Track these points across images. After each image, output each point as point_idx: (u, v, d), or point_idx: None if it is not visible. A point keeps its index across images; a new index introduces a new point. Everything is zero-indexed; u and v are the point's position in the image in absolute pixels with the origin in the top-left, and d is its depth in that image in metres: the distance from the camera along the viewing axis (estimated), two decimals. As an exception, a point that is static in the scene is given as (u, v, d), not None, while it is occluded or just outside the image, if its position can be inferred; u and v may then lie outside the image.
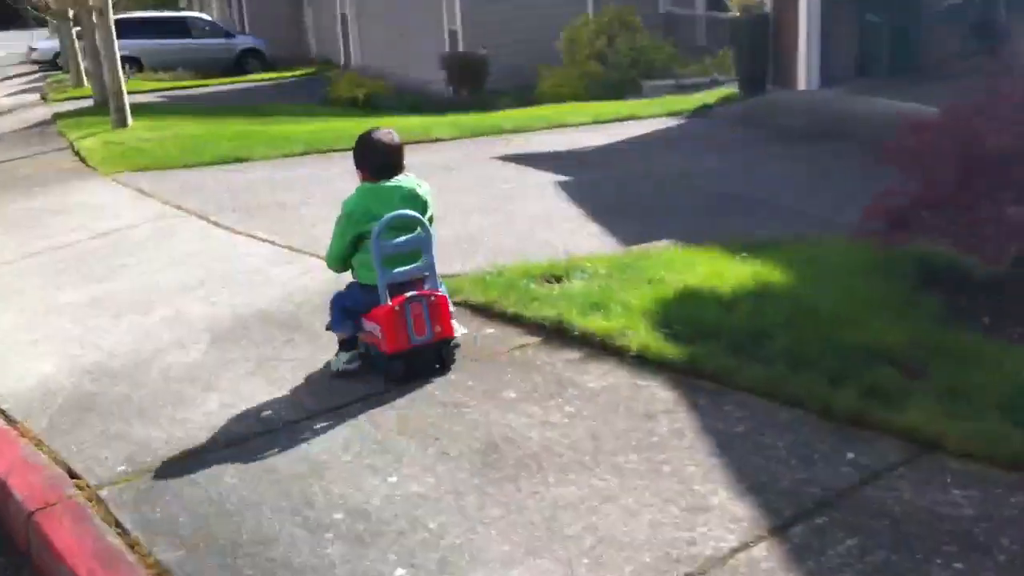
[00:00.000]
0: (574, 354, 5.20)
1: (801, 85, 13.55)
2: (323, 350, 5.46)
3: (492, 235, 7.87)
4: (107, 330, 6.38)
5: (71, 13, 22.97)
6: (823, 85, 13.54)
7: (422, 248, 4.94)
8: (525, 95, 18.85)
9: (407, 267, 4.91)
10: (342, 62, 29.64)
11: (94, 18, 17.00)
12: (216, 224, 8.88)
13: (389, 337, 4.78)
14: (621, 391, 4.76)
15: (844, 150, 10.65)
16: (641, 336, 5.09)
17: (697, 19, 20.58)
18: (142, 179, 11.34)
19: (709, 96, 14.04)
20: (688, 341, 5.01)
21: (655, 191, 9.54)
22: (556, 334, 5.41)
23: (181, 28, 32.60)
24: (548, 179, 10.11)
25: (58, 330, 6.48)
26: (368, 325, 4.93)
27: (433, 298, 4.88)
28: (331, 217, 5.27)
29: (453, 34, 22.20)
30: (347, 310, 5.04)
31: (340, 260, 5.11)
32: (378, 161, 5.00)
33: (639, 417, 4.51)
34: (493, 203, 9.12)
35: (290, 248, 7.80)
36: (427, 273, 4.97)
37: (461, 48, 21.26)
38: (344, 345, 5.11)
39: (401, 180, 5.01)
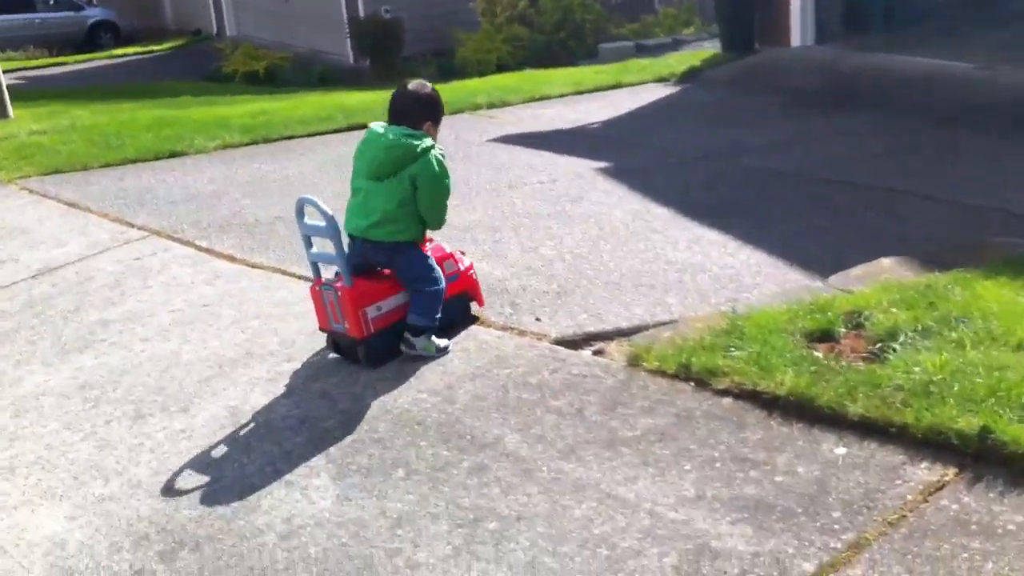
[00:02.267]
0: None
1: (795, 42, 11.81)
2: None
3: (603, 257, 5.84)
4: (131, 447, 4.10)
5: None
6: (818, 42, 11.82)
7: (329, 238, 4.25)
8: (445, 64, 16.61)
9: (322, 252, 4.46)
10: (215, 32, 26.52)
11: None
12: (209, 252, 6.52)
13: (316, 313, 4.50)
14: None
15: (899, 118, 8.91)
16: None
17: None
18: (61, 185, 8.76)
19: (692, 58, 12.16)
20: None
21: (730, 179, 7.62)
22: (980, 460, 3.29)
23: (24, 1, 28.81)
24: (584, 167, 8.07)
25: (44, 449, 4.16)
26: None
27: (339, 292, 4.26)
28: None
29: (350, -4, 19.63)
30: None
31: None
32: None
33: None
34: (552, 205, 7.04)
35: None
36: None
37: (361, 13, 18.73)
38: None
39: (384, 128, 4.30)
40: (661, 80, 11.41)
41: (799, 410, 3.68)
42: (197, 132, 10.28)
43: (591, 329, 4.70)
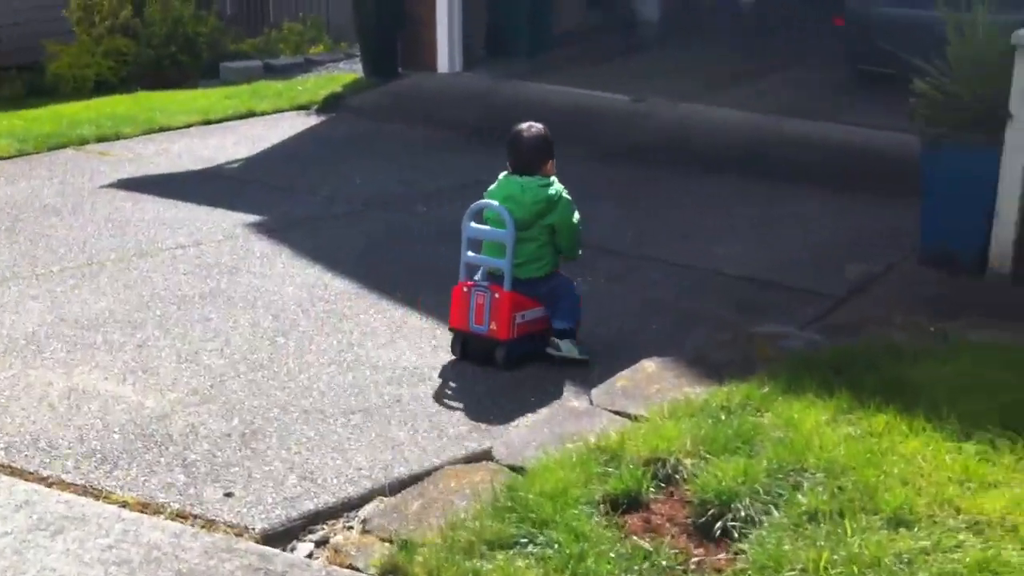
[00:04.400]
0: None
1: (442, 67, 10.82)
2: None
3: (289, 364, 4.51)
4: None
5: None
6: (466, 67, 10.91)
7: (506, 243, 4.48)
8: (35, 81, 14.19)
9: (483, 256, 4.63)
10: None
11: None
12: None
13: (452, 311, 4.59)
14: None
15: (566, 156, 8.14)
16: None
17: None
18: None
19: (332, 83, 10.81)
20: None
21: (411, 233, 6.49)
22: None
23: None
24: (233, 221, 6.63)
25: None
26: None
27: (497, 295, 4.46)
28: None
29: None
30: None
31: None
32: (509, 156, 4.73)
33: None
34: (203, 281, 5.57)
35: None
36: (501, 269, 4.50)
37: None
38: None
39: (519, 179, 4.61)
40: (301, 108, 10.00)
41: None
42: None
43: (308, 504, 3.33)
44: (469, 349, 4.54)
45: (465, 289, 4.52)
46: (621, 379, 4.01)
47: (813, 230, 6.46)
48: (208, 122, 9.53)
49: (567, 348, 4.50)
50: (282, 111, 9.92)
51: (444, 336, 4.79)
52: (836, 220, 6.68)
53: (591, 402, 3.87)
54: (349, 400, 4.14)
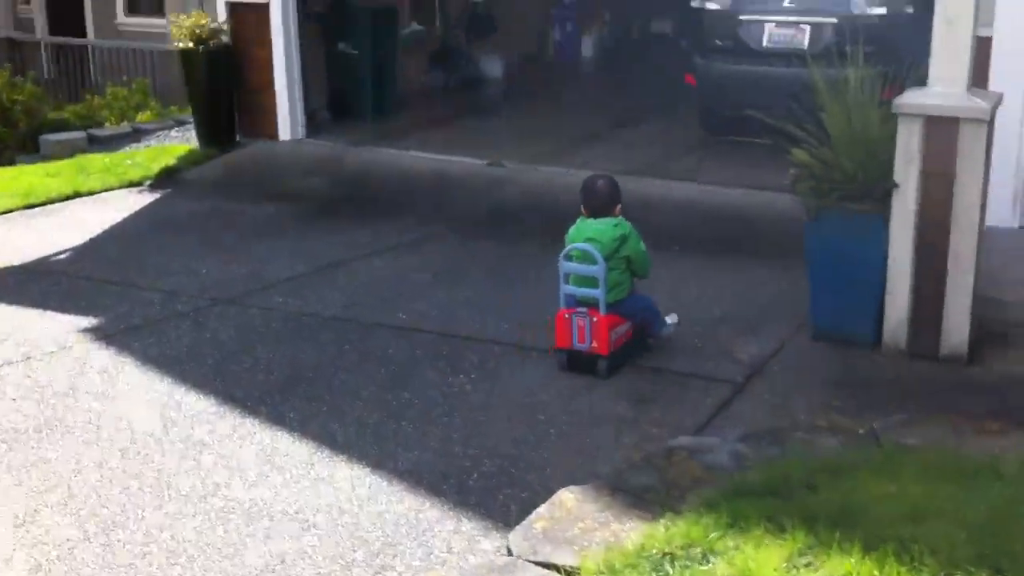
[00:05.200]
0: None
1: (284, 135, 10.21)
2: None
3: (144, 518, 3.81)
4: None
5: None
6: (309, 134, 10.33)
7: (597, 276, 5.22)
8: None
9: (580, 288, 5.34)
10: None
11: None
12: None
13: (557, 334, 5.32)
14: None
15: (432, 227, 7.68)
16: None
17: (44, 46, 15.88)
18: None
19: (165, 154, 10.01)
20: None
21: (268, 332, 5.90)
22: None
23: None
24: (65, 328, 5.93)
25: None
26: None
27: (595, 318, 5.22)
28: None
29: None
30: None
31: None
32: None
33: None
34: (36, 406, 4.87)
35: None
36: (598, 297, 5.23)
37: None
38: None
39: (595, 221, 5.38)
40: (133, 185, 9.20)
41: None
42: None
43: None
44: (578, 362, 5.29)
45: (567, 315, 5.31)
46: (540, 519, 3.53)
47: (690, 303, 6.12)
48: (30, 206, 8.65)
49: (666, 330, 5.54)
50: (112, 189, 9.11)
51: (325, 465, 4.23)
52: (713, 290, 6.37)
53: (510, 551, 3.37)
54: (224, 565, 3.52)
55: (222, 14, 10.19)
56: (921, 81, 5.20)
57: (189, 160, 9.85)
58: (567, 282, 5.38)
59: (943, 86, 5.06)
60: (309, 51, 10.46)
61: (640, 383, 5.21)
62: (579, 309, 5.30)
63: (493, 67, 12.86)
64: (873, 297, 5.39)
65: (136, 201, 8.80)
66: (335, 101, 10.98)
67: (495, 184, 8.81)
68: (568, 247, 5.35)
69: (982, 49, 6.02)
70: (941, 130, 5.03)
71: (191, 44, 9.94)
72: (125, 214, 8.41)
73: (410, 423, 4.78)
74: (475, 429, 4.71)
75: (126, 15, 15.33)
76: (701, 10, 9.42)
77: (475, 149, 9.78)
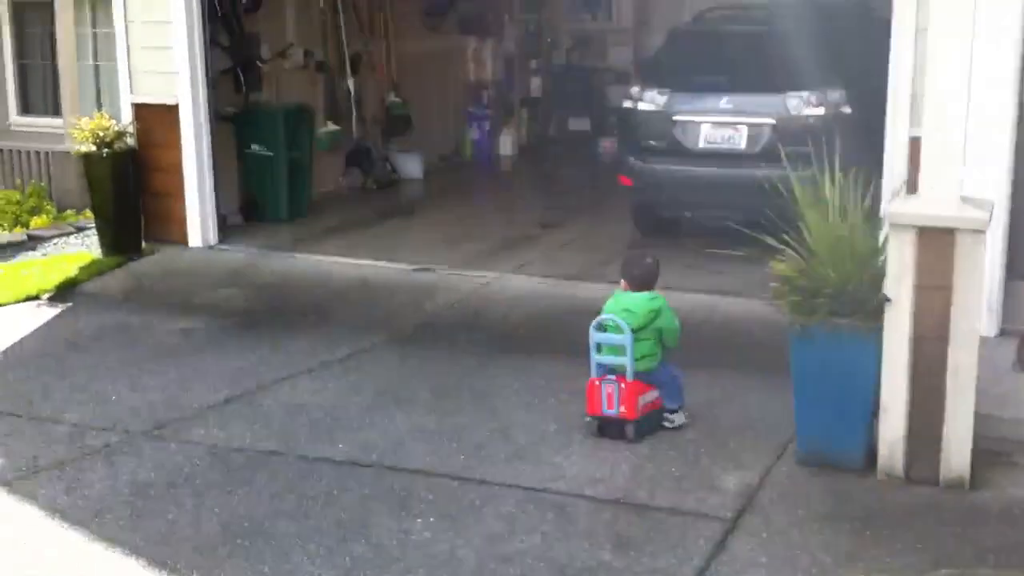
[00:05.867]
0: None
1: (194, 241, 9.51)
2: None
3: None
4: None
5: None
6: (222, 240, 9.66)
7: (625, 345, 5.40)
8: None
9: (608, 357, 5.51)
10: None
11: None
12: None
13: (589, 402, 5.51)
14: None
15: (363, 340, 7.07)
16: None
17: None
18: None
19: (65, 264, 9.19)
20: None
21: (201, 471, 5.21)
22: None
23: None
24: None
25: None
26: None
27: (623, 385, 5.39)
28: None
29: None
30: None
31: None
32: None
33: None
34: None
35: None
36: (625, 365, 5.41)
37: None
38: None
39: (632, 294, 5.58)
40: (30, 299, 8.35)
41: None
42: None
43: None
44: (607, 429, 5.46)
45: (597, 383, 5.47)
46: None
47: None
48: (-87, 320, 7.79)
49: (678, 420, 5.58)
50: (6, 304, 8.27)
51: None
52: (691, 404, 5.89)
53: None
54: None
55: (127, 115, 9.54)
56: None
57: (92, 270, 9.07)
58: (598, 352, 5.54)
59: (935, 194, 4.71)
60: (220, 153, 9.86)
61: (624, 520, 4.66)
62: (608, 377, 5.48)
63: (412, 167, 12.38)
64: (864, 417, 4.97)
65: (34, 317, 7.98)
66: (248, 205, 10.34)
67: (425, 292, 8.24)
68: (601, 317, 5.54)
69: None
70: (936, 241, 4.67)
71: (93, 147, 9.23)
72: (22, 333, 7.59)
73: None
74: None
75: (19, 114, 14.49)
76: (633, 110, 9.10)
77: (400, 253, 9.24)
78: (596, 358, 5.55)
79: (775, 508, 4.74)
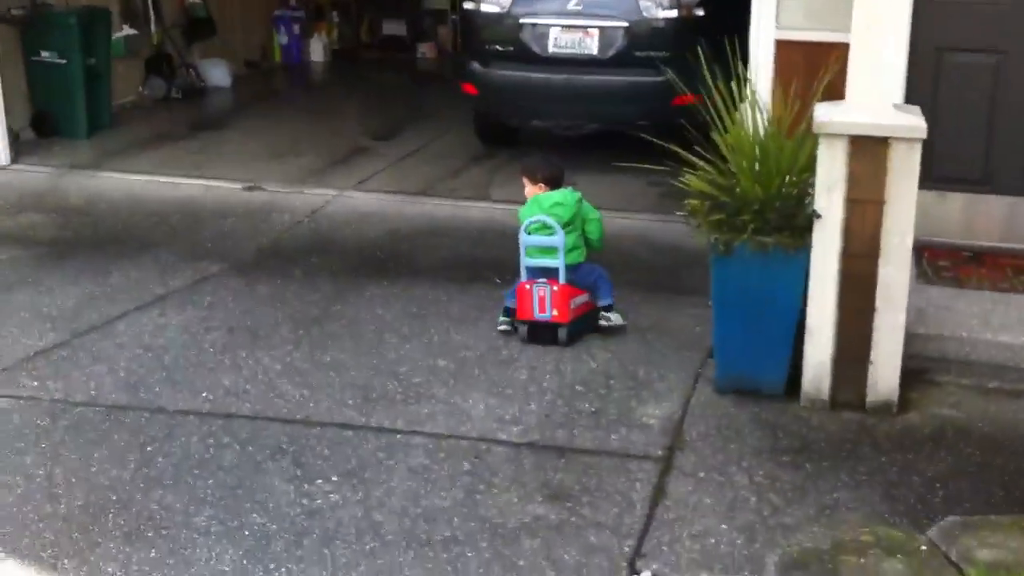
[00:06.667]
0: None
1: (-17, 160, 8.30)
2: None
3: None
4: None
5: None
6: (15, 160, 8.48)
7: (556, 246, 5.34)
8: None
9: (542, 259, 5.39)
10: None
11: None
12: None
13: (519, 307, 5.39)
14: None
15: (206, 267, 6.28)
16: None
17: None
18: None
19: None
20: None
21: (48, 435, 4.32)
22: None
23: None
24: None
25: None
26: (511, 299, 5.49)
27: (555, 288, 5.30)
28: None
29: None
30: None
31: None
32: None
33: None
34: None
35: None
36: (556, 266, 5.33)
37: None
38: (504, 311, 5.51)
39: (551, 192, 5.50)
40: None
41: None
42: None
43: None
44: (539, 333, 5.33)
45: (528, 286, 5.36)
46: None
47: (562, 358, 5.19)
48: None
49: (615, 319, 5.46)
50: None
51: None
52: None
53: None
54: None
55: None
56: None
57: None
58: (526, 255, 5.47)
59: (868, 100, 4.37)
60: (5, 61, 8.60)
61: (549, 466, 4.20)
62: (539, 280, 5.36)
63: (218, 74, 11.29)
64: (787, 340, 4.66)
65: None
66: (41, 118, 9.12)
67: (260, 213, 7.43)
68: (528, 220, 5.42)
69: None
70: (869, 151, 4.34)
71: None
72: None
73: (280, 566, 3.53)
74: (369, 563, 3.54)
75: None
76: (476, 11, 8.45)
77: (221, 170, 8.38)
78: (527, 262, 5.46)
79: (705, 443, 4.38)
